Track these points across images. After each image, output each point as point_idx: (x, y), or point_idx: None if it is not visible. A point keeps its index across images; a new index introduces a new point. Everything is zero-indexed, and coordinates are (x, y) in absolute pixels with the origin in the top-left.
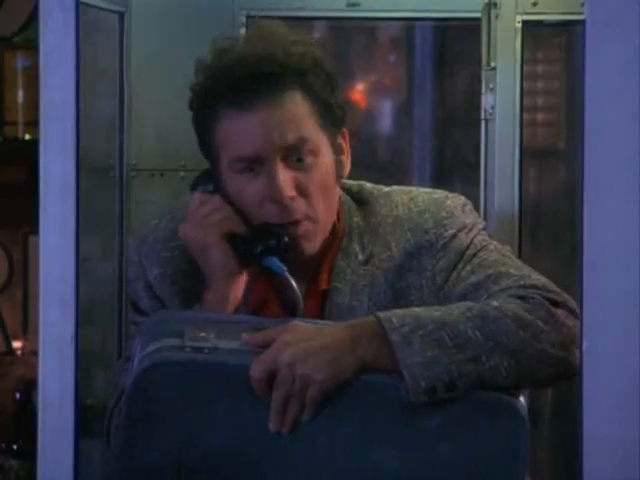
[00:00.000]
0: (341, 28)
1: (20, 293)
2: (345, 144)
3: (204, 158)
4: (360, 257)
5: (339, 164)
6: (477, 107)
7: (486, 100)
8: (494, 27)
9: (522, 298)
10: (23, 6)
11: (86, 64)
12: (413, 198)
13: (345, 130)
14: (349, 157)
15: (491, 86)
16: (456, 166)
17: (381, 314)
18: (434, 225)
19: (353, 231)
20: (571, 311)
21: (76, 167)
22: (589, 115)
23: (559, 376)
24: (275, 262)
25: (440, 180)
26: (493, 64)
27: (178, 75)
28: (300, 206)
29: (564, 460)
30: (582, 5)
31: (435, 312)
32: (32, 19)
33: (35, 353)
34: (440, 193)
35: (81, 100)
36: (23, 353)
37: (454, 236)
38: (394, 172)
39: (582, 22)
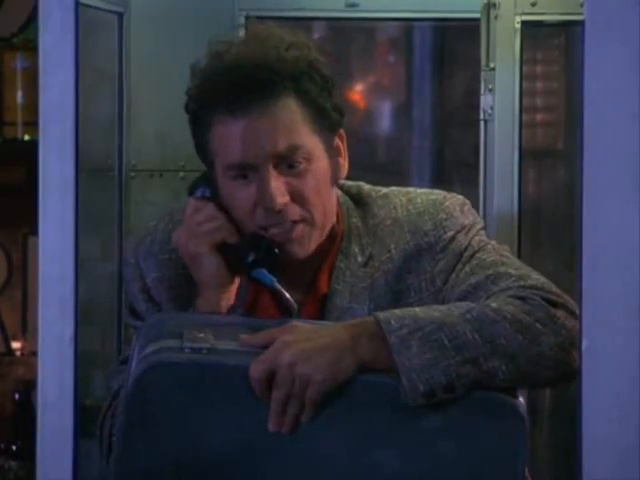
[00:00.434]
0: (340, 29)
1: (19, 294)
2: (342, 145)
3: (200, 161)
4: (359, 259)
5: (335, 167)
6: (476, 107)
7: (485, 100)
8: (493, 27)
9: (521, 299)
10: (22, 7)
11: (85, 65)
12: (411, 199)
13: (342, 132)
14: (347, 158)
15: (490, 87)
16: (455, 166)
17: (380, 315)
18: (433, 227)
19: (352, 232)
20: (570, 312)
21: (75, 168)
22: (588, 115)
23: (558, 378)
24: (264, 274)
25: (439, 180)
26: (492, 64)
27: (177, 76)
28: (294, 210)
29: (563, 460)
30: (581, 5)
31: (434, 312)
32: (31, 20)
33: (34, 354)
34: (438, 193)
35: (80, 101)
36: (22, 354)
37: (453, 238)
38: (393, 173)
39: (581, 22)
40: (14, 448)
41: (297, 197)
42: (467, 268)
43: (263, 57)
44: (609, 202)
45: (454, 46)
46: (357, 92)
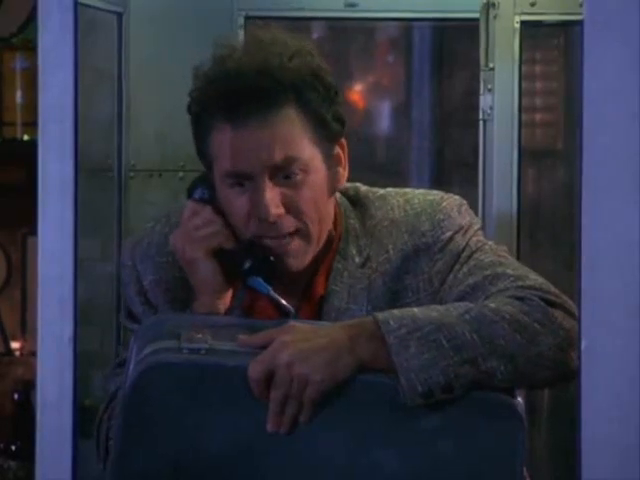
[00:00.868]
0: (339, 29)
1: (19, 294)
2: (343, 154)
3: (201, 162)
4: (357, 260)
5: (334, 176)
6: (475, 108)
7: (484, 100)
8: (492, 27)
9: (520, 299)
10: (22, 7)
11: (85, 65)
12: (408, 200)
13: (343, 141)
14: (346, 167)
15: (489, 86)
16: (455, 166)
17: (379, 315)
18: (431, 227)
19: (350, 234)
20: (569, 312)
21: (75, 168)
22: (587, 115)
23: (557, 378)
24: (260, 282)
25: (439, 180)
26: (491, 64)
27: (177, 75)
28: (289, 222)
29: (563, 460)
30: (580, 5)
31: (433, 313)
32: (31, 20)
33: (34, 354)
34: (435, 194)
35: (80, 101)
36: (22, 354)
37: (451, 238)
38: (392, 173)
39: (580, 22)
40: (13, 448)
41: (292, 209)
42: (465, 269)
43: (265, 65)
44: (608, 202)
45: (453, 46)
46: (356, 92)
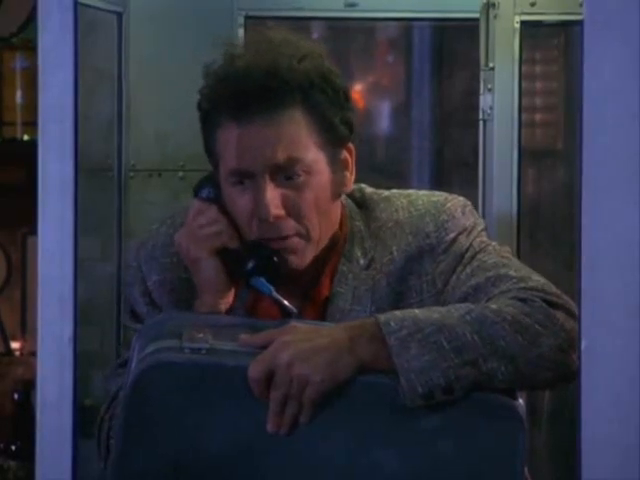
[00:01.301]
0: (339, 28)
1: (19, 294)
2: (350, 159)
3: (208, 161)
4: (362, 262)
5: (340, 181)
6: (475, 107)
7: (484, 100)
8: (492, 27)
9: (522, 301)
10: (22, 6)
11: (85, 65)
12: (413, 201)
13: (351, 146)
14: (353, 172)
15: (489, 86)
16: (455, 166)
17: (380, 316)
18: (435, 228)
19: (355, 236)
20: (570, 314)
21: (74, 167)
22: (587, 115)
23: (558, 379)
24: (262, 283)
25: (439, 180)
26: (491, 64)
27: (176, 75)
28: (288, 224)
29: (563, 460)
30: (580, 5)
31: (434, 314)
32: (31, 19)
33: (33, 354)
34: (439, 195)
35: (79, 100)
36: (21, 354)
37: (454, 239)
38: (392, 172)
39: (580, 22)
40: (13, 448)
41: (293, 211)
42: (468, 270)
43: (274, 66)
44: (608, 202)
45: (453, 46)
46: (356, 92)
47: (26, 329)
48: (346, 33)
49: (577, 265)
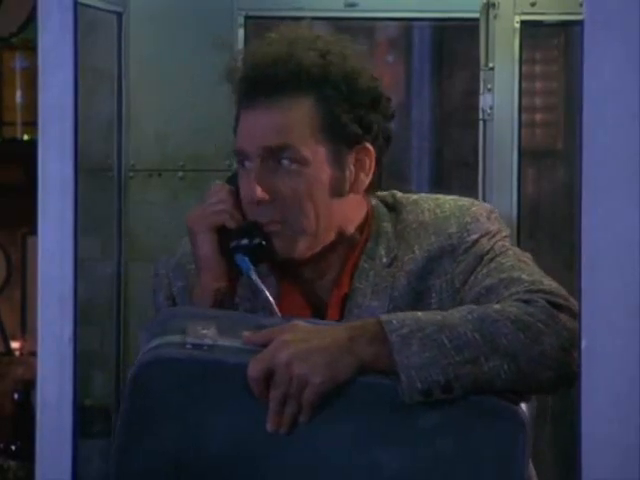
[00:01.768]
0: (339, 28)
1: (18, 294)
2: (368, 160)
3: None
4: (384, 260)
5: (351, 178)
6: (475, 107)
7: (484, 100)
8: (492, 27)
9: (526, 301)
10: (22, 6)
11: (84, 64)
12: (440, 204)
13: (370, 148)
14: (371, 174)
15: (489, 86)
16: (455, 166)
17: (383, 316)
18: (458, 229)
19: (381, 236)
20: (574, 315)
21: (74, 167)
22: (587, 115)
23: (560, 380)
24: (243, 260)
25: (439, 180)
26: (491, 64)
27: (176, 75)
28: (272, 210)
29: (563, 460)
30: (581, 5)
31: (437, 315)
32: (30, 19)
33: (33, 353)
34: (466, 200)
35: (79, 100)
36: (21, 353)
37: (476, 241)
38: (392, 172)
39: (580, 22)
40: (13, 448)
41: (279, 198)
42: (485, 270)
43: (288, 56)
44: (608, 202)
45: (453, 46)
46: None
47: (26, 329)
48: (346, 33)
49: (577, 265)
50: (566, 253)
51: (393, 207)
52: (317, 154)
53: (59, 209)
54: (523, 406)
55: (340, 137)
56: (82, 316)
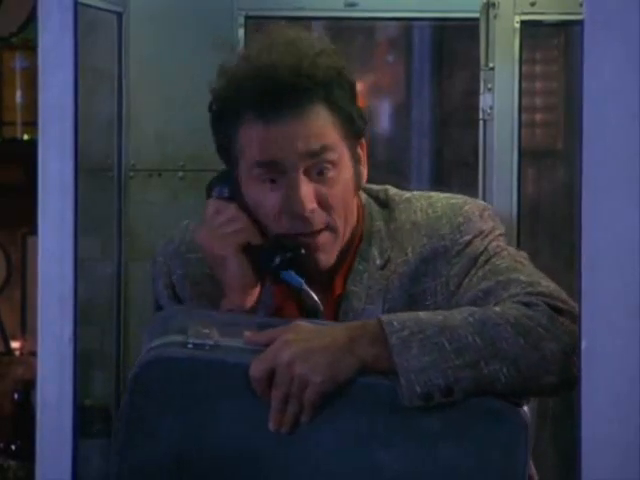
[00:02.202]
0: (339, 28)
1: (19, 293)
2: (363, 153)
3: (222, 161)
4: (378, 262)
5: (358, 175)
6: (475, 107)
7: (484, 100)
8: (492, 27)
9: (526, 305)
10: (22, 6)
11: (85, 65)
12: (432, 203)
13: (363, 140)
14: (366, 166)
15: (489, 86)
16: (455, 166)
17: (384, 317)
18: (450, 230)
19: (374, 236)
20: (574, 319)
21: (74, 167)
22: (587, 115)
23: (561, 383)
24: (293, 276)
25: (439, 180)
26: (491, 64)
27: (177, 75)
28: (320, 217)
29: (564, 460)
30: (580, 5)
31: (438, 316)
32: (30, 19)
33: (33, 353)
34: (459, 198)
35: (79, 100)
36: (21, 353)
37: (469, 242)
38: (392, 172)
39: (580, 22)
40: (13, 448)
41: (324, 204)
42: (480, 273)
43: (297, 64)
44: (608, 202)
45: (453, 46)
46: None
47: (26, 329)
48: (346, 33)
49: (577, 265)
50: (566, 253)
51: (385, 204)
52: (344, 155)
53: (59, 209)
54: (525, 408)
55: (352, 133)
56: (82, 316)
